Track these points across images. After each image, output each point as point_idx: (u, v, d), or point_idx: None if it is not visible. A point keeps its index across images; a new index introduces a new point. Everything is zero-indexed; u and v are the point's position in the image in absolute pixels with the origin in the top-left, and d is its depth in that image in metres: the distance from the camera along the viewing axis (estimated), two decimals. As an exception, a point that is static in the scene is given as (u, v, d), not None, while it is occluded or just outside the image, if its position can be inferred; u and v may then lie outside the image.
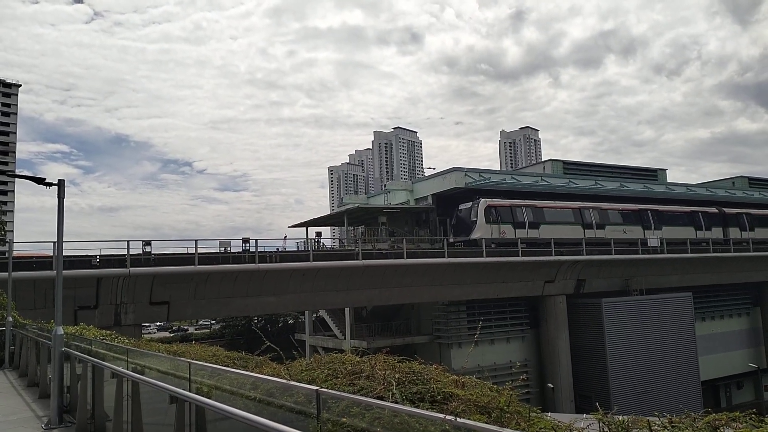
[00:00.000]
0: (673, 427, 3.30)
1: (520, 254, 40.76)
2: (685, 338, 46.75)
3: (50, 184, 11.47)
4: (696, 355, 47.14)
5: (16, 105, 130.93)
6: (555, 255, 42.08)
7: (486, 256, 39.38)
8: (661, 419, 3.48)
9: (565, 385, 43.02)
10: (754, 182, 72.52)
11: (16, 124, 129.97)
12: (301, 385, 4.38)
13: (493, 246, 40.78)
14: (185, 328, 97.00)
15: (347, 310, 46.35)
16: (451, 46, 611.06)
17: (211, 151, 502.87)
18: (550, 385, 41.48)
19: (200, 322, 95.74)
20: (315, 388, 4.11)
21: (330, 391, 4.14)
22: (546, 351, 44.65)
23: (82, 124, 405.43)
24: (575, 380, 43.72)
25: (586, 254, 43.74)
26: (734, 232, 55.31)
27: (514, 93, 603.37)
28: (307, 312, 53.59)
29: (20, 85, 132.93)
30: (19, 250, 30.85)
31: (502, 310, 44.73)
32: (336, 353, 6.04)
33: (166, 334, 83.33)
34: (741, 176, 73.84)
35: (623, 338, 43.51)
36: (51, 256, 27.56)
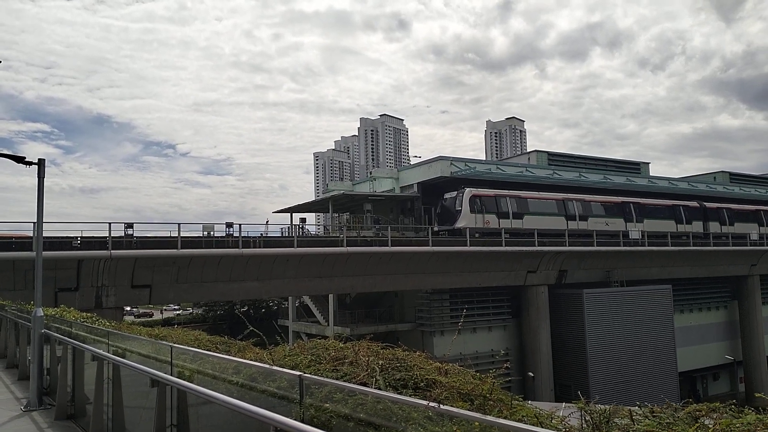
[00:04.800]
0: (654, 416, 3.34)
1: (504, 244, 40.99)
2: (663, 330, 47.46)
3: (30, 163, 11.29)
4: (674, 347, 47.91)
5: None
6: (538, 245, 42.39)
7: (470, 246, 39.57)
8: (643, 409, 3.52)
9: (545, 374, 43.54)
10: (735, 178, 73.49)
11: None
12: (284, 370, 4.37)
13: (477, 235, 40.97)
14: (148, 312, 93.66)
15: (331, 296, 46.39)
16: (438, 35, 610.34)
17: (194, 133, 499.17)
18: (530, 374, 41.97)
19: (165, 308, 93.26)
20: (298, 373, 4.11)
21: (313, 376, 4.13)
22: (527, 340, 45.10)
23: (63, 103, 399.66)
24: (555, 369, 44.26)
25: (569, 245, 44.13)
26: (714, 227, 56.09)
27: (500, 83, 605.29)
28: (290, 298, 53.53)
29: (0, 62, 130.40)
30: (-2, 230, 30.40)
31: (485, 299, 45.04)
32: (319, 339, 6.03)
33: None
34: (722, 171, 74.78)
35: (603, 329, 44.08)
36: (31, 237, 27.18)
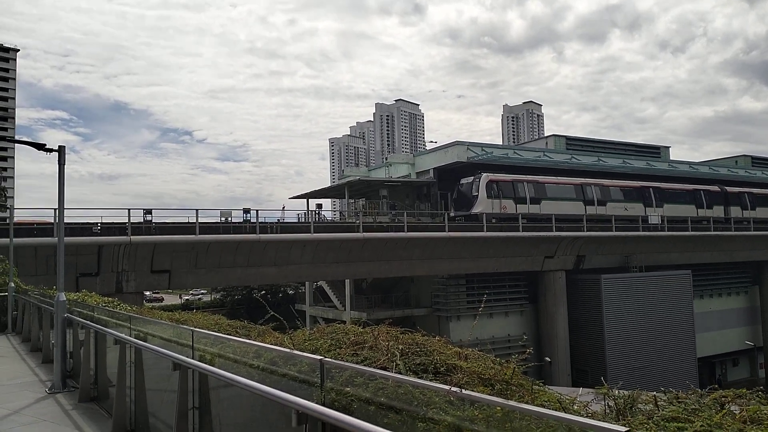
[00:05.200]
0: (679, 402, 3.30)
1: (521, 229, 40.78)
2: (683, 315, 47.05)
3: (51, 150, 11.40)
4: (693, 332, 47.52)
5: (15, 70, 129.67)
6: (555, 231, 42.11)
7: (486, 231, 39.40)
8: (667, 394, 3.48)
9: (562, 360, 43.47)
10: (757, 161, 72.20)
11: (15, 89, 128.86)
12: (305, 354, 4.38)
13: (493, 221, 40.79)
14: (159, 297, 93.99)
15: (347, 281, 46.58)
16: (454, 18, 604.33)
17: (210, 120, 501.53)
18: (547, 359, 41.92)
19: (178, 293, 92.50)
20: (319, 357, 4.11)
21: (334, 360, 4.14)
22: (544, 325, 45.00)
23: (81, 90, 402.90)
24: (572, 355, 44.16)
25: (587, 230, 43.77)
26: (736, 211, 55.24)
27: (517, 67, 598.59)
28: (307, 283, 53.85)
29: (18, 50, 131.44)
30: (19, 216, 30.89)
31: (501, 285, 44.94)
32: (337, 324, 6.04)
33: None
34: (744, 155, 73.50)
35: (621, 314, 43.81)
36: (52, 223, 27.56)
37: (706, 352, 51.29)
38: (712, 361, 54.01)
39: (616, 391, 3.78)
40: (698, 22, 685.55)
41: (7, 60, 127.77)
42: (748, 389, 3.32)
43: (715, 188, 55.58)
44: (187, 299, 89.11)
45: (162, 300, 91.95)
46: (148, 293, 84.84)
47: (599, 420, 2.79)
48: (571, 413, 3.07)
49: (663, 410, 3.17)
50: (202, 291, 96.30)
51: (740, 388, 3.62)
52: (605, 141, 61.46)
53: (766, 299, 57.97)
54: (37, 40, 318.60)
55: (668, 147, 65.18)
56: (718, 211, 54.00)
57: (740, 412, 2.91)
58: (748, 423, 2.79)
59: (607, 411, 3.37)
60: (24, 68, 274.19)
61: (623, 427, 2.38)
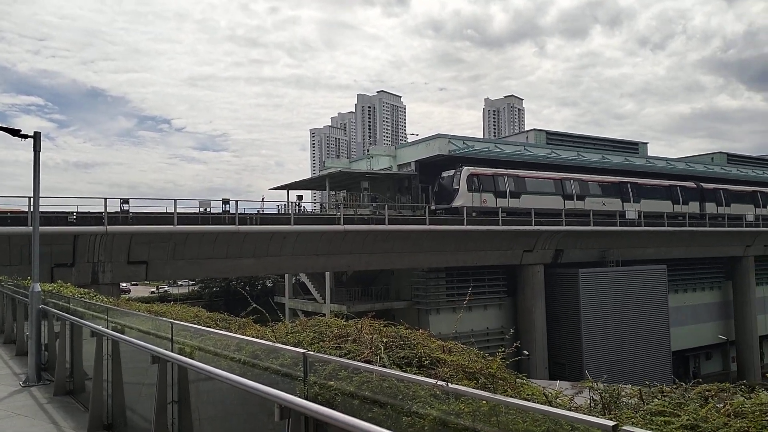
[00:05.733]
0: (663, 396, 3.32)
1: (501, 223, 41.03)
2: (658, 309, 47.80)
3: (26, 137, 11.13)
4: (668, 326, 48.30)
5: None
6: (535, 225, 42.44)
7: (467, 224, 39.58)
8: (651, 387, 3.50)
9: (540, 353, 43.91)
10: (732, 158, 73.49)
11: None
12: (288, 347, 4.33)
13: (474, 214, 40.97)
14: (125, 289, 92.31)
15: (327, 274, 46.48)
16: (437, 10, 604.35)
17: (189, 108, 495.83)
18: (525, 352, 42.28)
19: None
20: (302, 350, 4.07)
21: (317, 354, 4.10)
22: (522, 319, 45.40)
23: (57, 76, 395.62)
24: (549, 348, 44.65)
25: (566, 225, 44.20)
26: (711, 207, 56.24)
27: (499, 60, 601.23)
28: (287, 275, 53.63)
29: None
30: (-8, 205, 30.21)
31: (481, 278, 45.20)
32: (319, 317, 5.99)
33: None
34: (720, 152, 74.75)
35: (598, 308, 44.37)
36: (26, 212, 27.00)
37: (680, 346, 52.22)
38: (686, 354, 55.06)
39: (599, 385, 3.79)
40: (678, 20, 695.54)
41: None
42: (722, 383, 3.35)
43: (691, 184, 56.48)
44: (152, 291, 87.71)
45: (129, 292, 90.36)
46: (124, 284, 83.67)
47: (586, 414, 2.78)
48: (557, 407, 3.06)
49: (648, 404, 3.18)
50: (165, 286, 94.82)
51: (714, 382, 3.66)
52: (584, 136, 61.99)
53: (738, 294, 59.16)
54: (11, 23, 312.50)
55: (646, 143, 65.99)
56: (693, 207, 54.90)
57: (724, 406, 2.93)
58: (732, 416, 2.81)
59: (592, 405, 3.37)
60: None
61: (611, 422, 2.37)
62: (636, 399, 3.32)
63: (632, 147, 64.04)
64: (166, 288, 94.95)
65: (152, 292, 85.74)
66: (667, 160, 63.99)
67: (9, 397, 9.51)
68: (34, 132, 11.23)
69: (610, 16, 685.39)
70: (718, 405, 3.00)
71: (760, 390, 3.17)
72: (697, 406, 3.02)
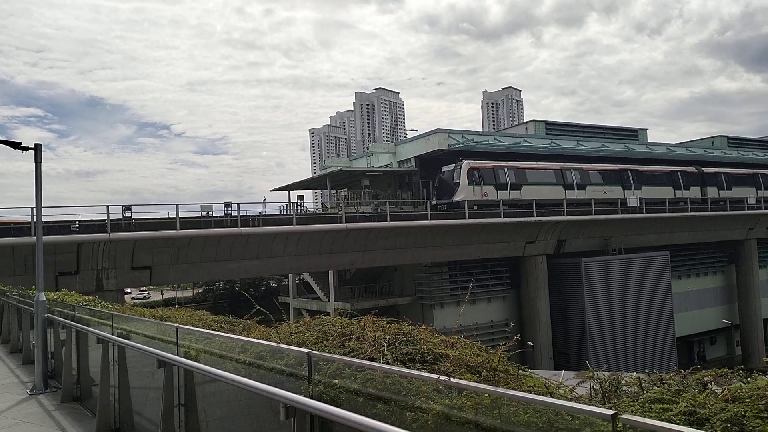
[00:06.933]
0: (662, 384, 3.35)
1: (502, 215, 41.02)
2: (661, 296, 47.81)
3: (27, 149, 11.18)
4: (672, 313, 48.33)
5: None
6: (536, 216, 42.42)
7: (468, 218, 39.59)
8: (651, 376, 3.53)
9: (545, 343, 43.98)
10: (732, 141, 73.25)
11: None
12: (292, 347, 4.37)
13: (475, 208, 40.97)
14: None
15: (331, 272, 46.55)
16: (432, 5, 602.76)
17: (188, 113, 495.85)
18: (530, 343, 42.37)
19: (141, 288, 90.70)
20: (306, 350, 4.11)
21: (321, 353, 4.14)
22: (526, 310, 45.45)
23: (55, 86, 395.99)
24: (554, 338, 44.70)
25: (567, 215, 44.16)
26: (712, 192, 56.09)
27: (496, 53, 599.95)
28: (290, 275, 53.71)
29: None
30: (-5, 216, 30.27)
31: (484, 271, 45.24)
32: (323, 316, 6.03)
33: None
34: (720, 135, 74.48)
35: (602, 297, 44.39)
36: (29, 222, 27.11)
37: (684, 332, 52.25)
38: (690, 340, 55.05)
39: (601, 374, 3.83)
40: (674, 4, 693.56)
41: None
42: (728, 367, 3.38)
43: (692, 169, 56.34)
44: (133, 298, 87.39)
45: (148, 297, 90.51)
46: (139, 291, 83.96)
47: (586, 403, 2.82)
48: (558, 397, 3.10)
49: (647, 392, 3.22)
50: (144, 294, 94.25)
51: (719, 366, 3.69)
52: (584, 125, 61.90)
53: (742, 278, 59.12)
54: (8, 36, 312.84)
55: (646, 129, 65.87)
56: (695, 192, 54.78)
57: (722, 392, 2.96)
58: (730, 401, 2.84)
59: (593, 394, 3.41)
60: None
61: (610, 410, 2.41)
62: (636, 387, 3.36)
63: (632, 134, 63.92)
64: (147, 294, 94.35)
65: (145, 297, 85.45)
66: (667, 145, 63.86)
67: (17, 405, 9.58)
68: (35, 144, 11.27)
69: (606, 3, 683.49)
70: (716, 390, 3.03)
71: (758, 375, 3.21)
72: (695, 392, 3.05)
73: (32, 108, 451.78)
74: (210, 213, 33.97)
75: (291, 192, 53.33)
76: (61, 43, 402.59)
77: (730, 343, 59.14)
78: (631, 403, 3.04)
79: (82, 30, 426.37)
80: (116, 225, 29.55)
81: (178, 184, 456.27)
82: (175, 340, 5.98)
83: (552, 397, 3.00)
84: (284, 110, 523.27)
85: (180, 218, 30.82)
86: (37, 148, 11.27)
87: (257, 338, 5.10)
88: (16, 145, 11.22)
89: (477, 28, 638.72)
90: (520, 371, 3.94)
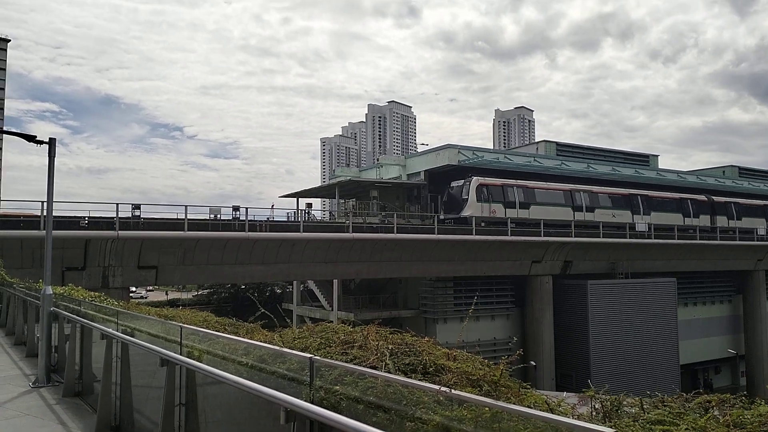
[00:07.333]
0: (664, 406, 3.34)
1: (510, 234, 40.93)
2: (667, 322, 47.43)
3: (41, 142, 11.30)
4: (677, 340, 47.89)
5: (5, 60, 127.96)
6: (544, 236, 42.29)
7: (475, 234, 39.52)
8: (653, 398, 3.52)
9: (547, 364, 43.66)
10: (744, 172, 72.94)
11: (4, 80, 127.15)
12: (295, 352, 4.39)
13: (483, 224, 40.91)
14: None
15: (335, 281, 46.50)
16: (448, 22, 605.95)
17: (202, 116, 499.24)
18: (532, 363, 42.08)
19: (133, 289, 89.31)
20: (308, 355, 4.12)
21: (323, 359, 4.15)
22: (530, 330, 45.16)
23: (71, 83, 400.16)
24: (557, 359, 44.37)
25: (575, 236, 44.01)
26: (722, 221, 55.78)
27: (510, 72, 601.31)
28: (295, 282, 53.70)
29: (9, 40, 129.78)
30: (5, 208, 30.58)
31: (489, 288, 45.05)
32: (326, 323, 6.05)
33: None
34: (731, 165, 74.19)
35: (606, 320, 44.08)
36: (38, 216, 27.28)
37: (689, 360, 51.73)
38: (694, 368, 54.49)
39: (602, 395, 3.82)
40: (690, 33, 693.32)
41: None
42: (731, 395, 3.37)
43: (702, 197, 56.09)
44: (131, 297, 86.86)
45: (146, 297, 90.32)
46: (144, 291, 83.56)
47: (586, 421, 2.82)
48: (558, 414, 3.10)
49: (648, 413, 3.21)
50: (142, 294, 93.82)
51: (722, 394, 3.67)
52: (595, 148, 61.85)
53: (749, 309, 58.57)
54: (28, 31, 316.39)
55: (657, 155, 65.73)
56: (704, 220, 54.50)
57: (724, 417, 2.96)
58: (732, 427, 2.83)
59: (594, 413, 3.40)
60: (14, 59, 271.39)
61: (611, 429, 2.41)
62: (637, 408, 3.35)
63: (643, 159, 63.76)
64: (141, 296, 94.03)
65: (141, 298, 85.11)
66: (678, 172, 63.67)
67: (19, 397, 9.61)
68: (50, 138, 11.39)
69: (621, 29, 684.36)
70: (717, 416, 3.02)
71: (760, 402, 3.19)
72: (696, 416, 3.04)
73: (48, 103, 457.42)
74: (218, 216, 34.12)
75: (299, 199, 53.46)
76: (79, 40, 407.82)
77: (735, 374, 58.48)
78: (632, 423, 3.04)
79: (101, 28, 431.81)
80: (125, 223, 29.73)
81: (188, 185, 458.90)
82: (179, 339, 6.01)
83: (552, 414, 3.00)
84: (296, 118, 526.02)
85: (188, 220, 30.97)
86: (52, 143, 11.39)
87: (260, 341, 5.12)
88: (31, 138, 11.35)
89: (492, 47, 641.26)
90: (522, 388, 3.94)
